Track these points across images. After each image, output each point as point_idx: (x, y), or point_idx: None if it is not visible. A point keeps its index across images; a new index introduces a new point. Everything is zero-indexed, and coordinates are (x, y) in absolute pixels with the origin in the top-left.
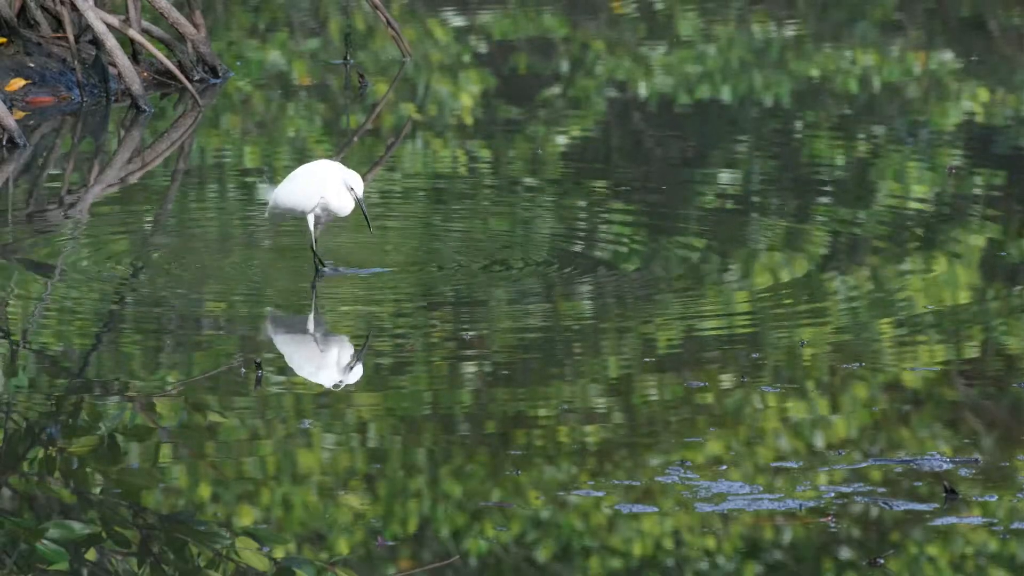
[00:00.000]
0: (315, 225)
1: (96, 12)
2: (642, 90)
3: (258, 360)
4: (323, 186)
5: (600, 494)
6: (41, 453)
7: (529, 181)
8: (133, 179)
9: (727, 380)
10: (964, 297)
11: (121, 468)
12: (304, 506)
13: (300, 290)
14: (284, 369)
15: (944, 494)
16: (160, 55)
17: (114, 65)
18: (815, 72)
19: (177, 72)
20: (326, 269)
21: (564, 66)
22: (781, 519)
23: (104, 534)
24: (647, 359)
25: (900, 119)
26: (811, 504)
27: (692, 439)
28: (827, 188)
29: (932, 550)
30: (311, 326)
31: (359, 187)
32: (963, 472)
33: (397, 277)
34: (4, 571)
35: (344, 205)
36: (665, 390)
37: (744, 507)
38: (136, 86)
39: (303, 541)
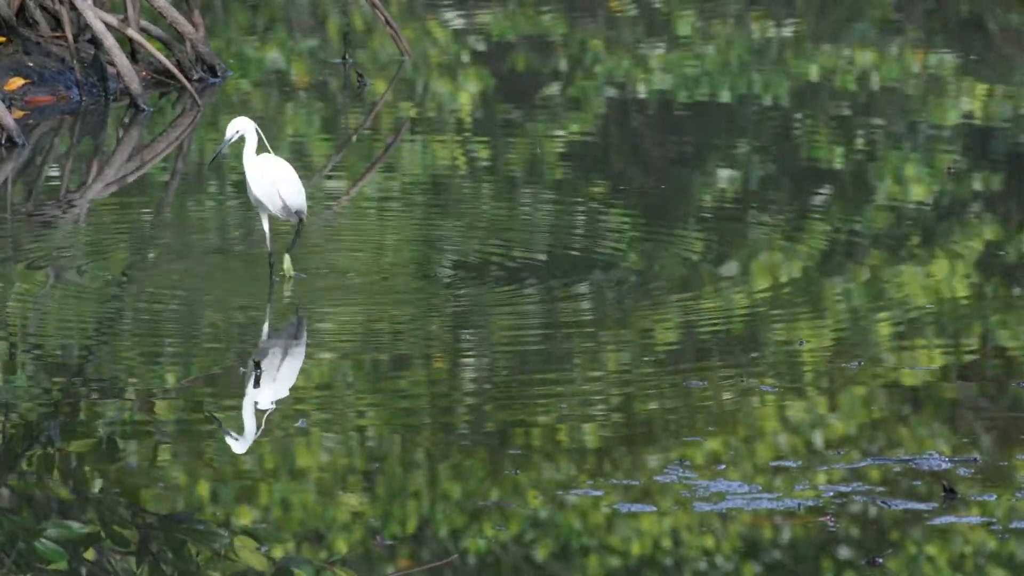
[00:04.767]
0: (268, 224)
1: (95, 11)
2: (641, 89)
3: (257, 360)
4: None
5: (599, 494)
6: (40, 453)
7: (528, 181)
8: (132, 178)
9: (727, 380)
10: (963, 297)
11: (120, 468)
12: (303, 505)
13: (298, 291)
14: (282, 368)
15: (943, 493)
16: (159, 54)
17: (113, 64)
18: (814, 72)
19: (176, 71)
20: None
21: (563, 65)
22: (780, 518)
23: (103, 533)
24: (646, 359)
25: (899, 119)
26: (810, 503)
27: (691, 438)
28: (827, 188)
29: (931, 549)
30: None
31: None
32: (962, 471)
33: (396, 277)
34: (3, 570)
35: (264, 192)
36: (665, 390)
37: (743, 506)
38: (135, 85)
39: (302, 540)
